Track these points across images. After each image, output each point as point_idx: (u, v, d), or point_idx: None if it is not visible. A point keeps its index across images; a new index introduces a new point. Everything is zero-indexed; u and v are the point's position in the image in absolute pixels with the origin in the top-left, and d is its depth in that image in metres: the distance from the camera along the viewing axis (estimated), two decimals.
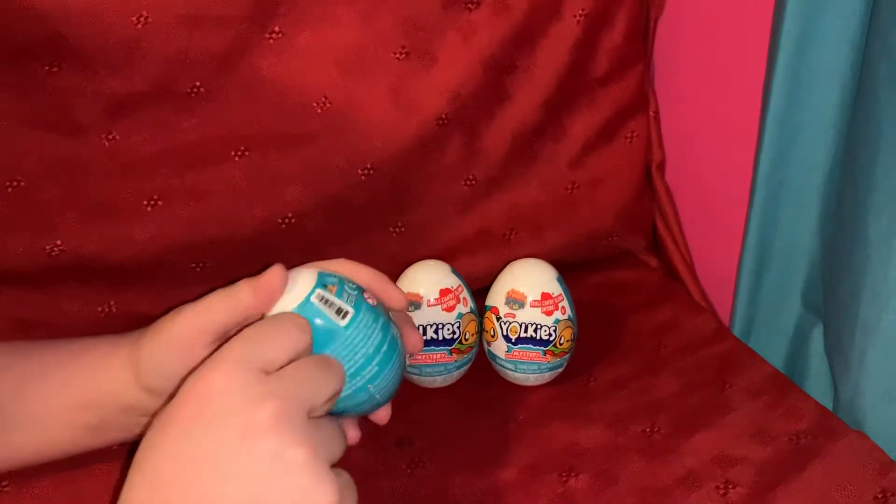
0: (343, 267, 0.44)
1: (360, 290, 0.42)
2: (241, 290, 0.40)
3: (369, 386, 0.41)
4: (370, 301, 0.42)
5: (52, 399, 0.45)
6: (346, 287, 0.41)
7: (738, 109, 0.65)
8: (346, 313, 0.40)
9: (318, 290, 0.40)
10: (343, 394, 0.40)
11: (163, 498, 0.32)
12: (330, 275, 0.41)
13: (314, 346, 0.39)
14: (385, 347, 0.41)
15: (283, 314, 0.39)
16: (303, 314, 0.39)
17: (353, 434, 0.43)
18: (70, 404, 0.45)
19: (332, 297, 0.40)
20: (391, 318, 0.44)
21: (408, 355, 0.45)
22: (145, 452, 0.34)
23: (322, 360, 0.38)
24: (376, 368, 0.41)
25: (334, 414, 0.40)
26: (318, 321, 0.39)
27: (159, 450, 0.34)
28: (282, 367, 0.36)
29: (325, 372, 0.37)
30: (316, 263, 0.44)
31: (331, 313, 0.40)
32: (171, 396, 0.36)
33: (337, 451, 0.35)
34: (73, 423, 0.46)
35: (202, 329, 0.40)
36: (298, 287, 0.40)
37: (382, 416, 0.45)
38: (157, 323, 0.43)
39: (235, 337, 0.36)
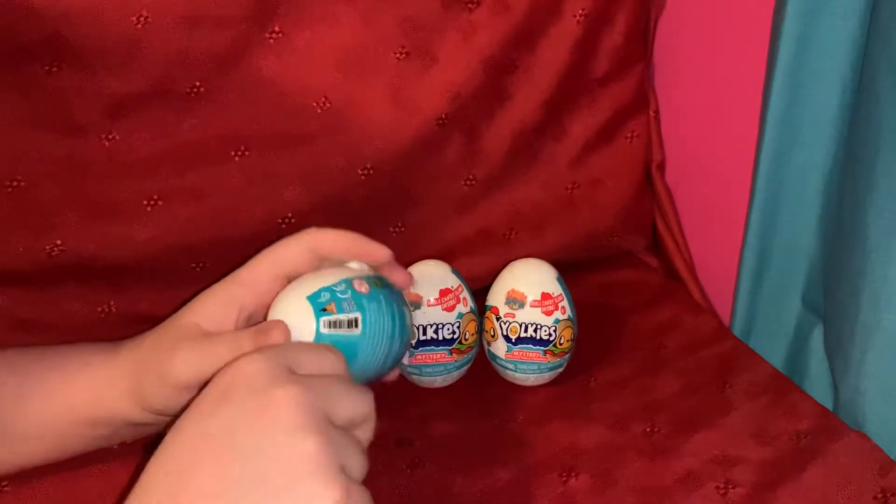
0: (315, 238, 0.44)
1: (349, 283, 0.42)
2: (245, 342, 0.40)
3: (398, 357, 0.43)
4: (363, 289, 0.42)
5: (51, 414, 0.45)
6: (338, 293, 0.41)
7: (738, 109, 0.65)
8: (356, 321, 0.40)
9: (322, 319, 0.40)
10: (381, 373, 0.42)
11: (181, 473, 0.32)
12: (319, 291, 0.41)
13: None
14: (398, 320, 0.42)
15: (320, 344, 0.40)
16: None
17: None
18: (76, 421, 0.45)
19: (336, 317, 0.40)
20: (383, 281, 0.43)
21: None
22: (169, 437, 0.34)
23: (357, 387, 0.37)
24: (399, 342, 0.43)
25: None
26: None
27: (182, 431, 0.34)
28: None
29: (356, 396, 0.36)
30: (286, 241, 0.44)
31: (343, 331, 0.40)
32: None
33: (356, 465, 0.34)
34: (81, 434, 0.46)
35: (202, 377, 0.40)
36: (301, 323, 0.40)
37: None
38: (156, 353, 0.43)
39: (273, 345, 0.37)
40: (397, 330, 0.42)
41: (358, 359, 0.40)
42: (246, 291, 0.44)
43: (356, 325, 0.40)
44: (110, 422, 0.45)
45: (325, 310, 0.40)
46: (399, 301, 0.44)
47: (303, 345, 0.39)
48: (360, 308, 0.41)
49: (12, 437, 0.45)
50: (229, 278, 0.45)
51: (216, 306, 0.44)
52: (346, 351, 0.39)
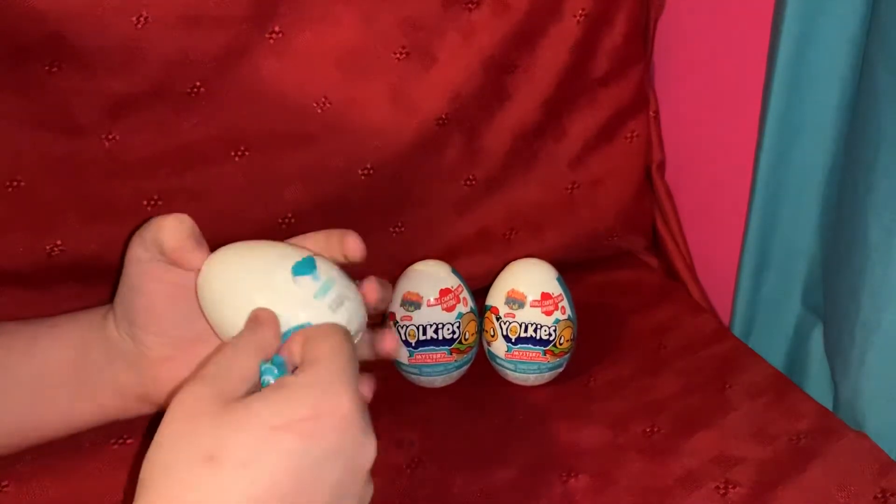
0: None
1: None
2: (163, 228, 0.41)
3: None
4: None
5: (42, 360, 0.46)
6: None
7: (738, 109, 0.65)
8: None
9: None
10: None
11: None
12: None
13: None
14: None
15: (343, 333, 0.38)
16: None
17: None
18: (59, 363, 0.46)
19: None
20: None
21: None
22: (246, 444, 0.32)
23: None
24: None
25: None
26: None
27: (273, 456, 0.32)
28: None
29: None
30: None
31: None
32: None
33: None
34: (61, 380, 0.46)
35: (153, 241, 0.42)
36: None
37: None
38: None
39: (338, 351, 0.36)
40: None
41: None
42: None
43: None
44: (88, 356, 0.45)
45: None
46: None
47: (353, 355, 0.37)
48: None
49: (6, 391, 0.45)
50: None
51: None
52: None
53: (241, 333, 0.37)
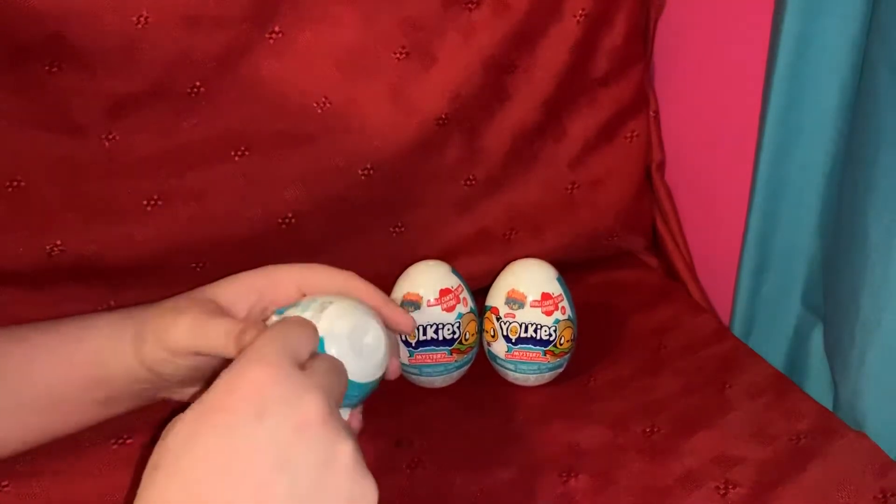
0: (347, 281, 0.45)
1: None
2: (232, 340, 0.40)
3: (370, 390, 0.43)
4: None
5: (58, 380, 0.46)
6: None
7: (738, 109, 0.65)
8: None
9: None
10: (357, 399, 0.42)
11: (211, 487, 0.32)
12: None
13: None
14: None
15: (294, 317, 0.40)
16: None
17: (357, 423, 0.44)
18: (78, 384, 0.46)
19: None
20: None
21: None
22: (179, 445, 0.33)
23: (332, 358, 0.39)
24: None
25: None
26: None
27: (200, 440, 0.32)
28: (307, 363, 0.37)
29: (340, 368, 0.39)
30: (323, 266, 0.45)
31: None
32: (202, 388, 0.37)
33: None
34: (81, 400, 0.46)
35: (192, 349, 0.43)
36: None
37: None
38: (165, 312, 0.45)
39: (265, 336, 0.37)
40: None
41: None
42: (268, 286, 0.45)
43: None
44: (110, 380, 0.45)
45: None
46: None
47: (295, 332, 0.38)
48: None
49: (20, 406, 0.45)
50: (259, 269, 0.46)
51: (237, 289, 0.46)
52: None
53: None
